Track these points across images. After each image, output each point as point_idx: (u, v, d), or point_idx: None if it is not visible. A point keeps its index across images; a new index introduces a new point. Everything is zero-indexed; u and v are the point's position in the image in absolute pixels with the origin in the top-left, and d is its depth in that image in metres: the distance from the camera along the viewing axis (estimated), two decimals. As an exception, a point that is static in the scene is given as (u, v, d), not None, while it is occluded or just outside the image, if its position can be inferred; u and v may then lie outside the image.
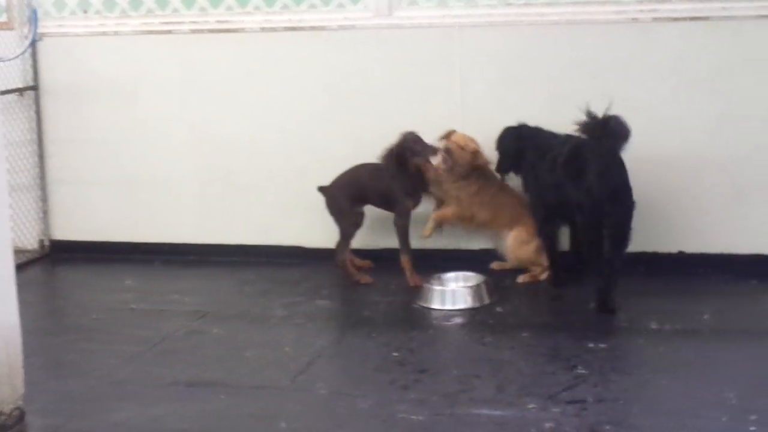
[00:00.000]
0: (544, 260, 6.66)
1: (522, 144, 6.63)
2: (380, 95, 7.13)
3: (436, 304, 6.30)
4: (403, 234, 6.67)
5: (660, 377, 5.12)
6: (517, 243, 6.73)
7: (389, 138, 6.85)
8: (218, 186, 7.33)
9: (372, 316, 6.24)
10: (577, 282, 6.51)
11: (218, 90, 7.38)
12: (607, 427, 4.59)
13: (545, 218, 6.57)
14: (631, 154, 6.65)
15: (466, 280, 6.51)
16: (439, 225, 6.84)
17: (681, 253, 6.77)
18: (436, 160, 6.52)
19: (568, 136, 6.31)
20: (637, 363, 5.33)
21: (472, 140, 6.75)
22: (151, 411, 4.96)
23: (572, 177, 6.11)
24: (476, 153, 6.74)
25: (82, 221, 7.70)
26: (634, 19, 6.70)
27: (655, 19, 6.66)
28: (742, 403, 4.76)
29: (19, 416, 4.79)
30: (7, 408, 4.72)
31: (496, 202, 6.80)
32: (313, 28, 7.21)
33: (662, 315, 5.98)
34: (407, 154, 6.58)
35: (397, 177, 6.62)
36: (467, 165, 6.71)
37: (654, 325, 5.84)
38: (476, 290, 6.35)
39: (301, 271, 7.06)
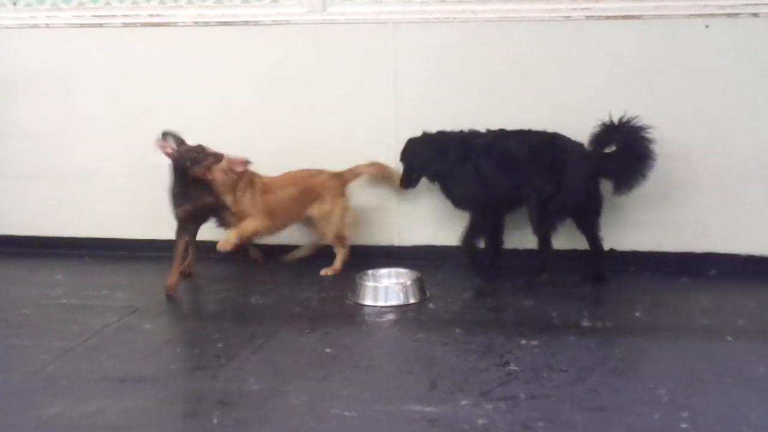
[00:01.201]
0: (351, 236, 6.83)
1: (440, 149, 6.69)
2: (314, 91, 7.11)
3: (368, 301, 6.29)
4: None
5: (592, 374, 5.14)
6: (325, 218, 6.81)
7: (321, 133, 6.86)
8: (148, 180, 7.25)
9: (304, 312, 6.21)
10: (503, 278, 6.57)
11: (150, 84, 7.32)
12: (540, 424, 4.60)
13: (485, 211, 6.70)
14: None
15: (398, 276, 6.51)
16: (241, 240, 6.59)
17: (612, 251, 6.81)
18: (217, 171, 6.41)
19: (489, 131, 6.62)
20: (569, 360, 5.33)
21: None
22: (82, 407, 4.90)
23: (542, 170, 6.43)
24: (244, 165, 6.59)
25: (10, 215, 7.60)
26: (567, 17, 6.73)
27: (588, 17, 6.70)
28: (673, 400, 4.80)
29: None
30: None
31: (280, 195, 6.76)
32: (246, 22, 7.17)
33: (594, 312, 6.02)
34: (186, 164, 6.42)
35: (174, 184, 6.51)
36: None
37: (586, 323, 5.87)
38: (409, 287, 6.34)
39: (232, 268, 7.02)
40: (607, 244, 6.74)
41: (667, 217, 6.78)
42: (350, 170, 6.94)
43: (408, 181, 6.86)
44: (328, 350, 5.58)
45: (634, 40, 6.67)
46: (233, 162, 6.46)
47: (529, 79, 6.81)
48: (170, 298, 6.47)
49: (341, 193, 6.88)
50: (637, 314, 6.01)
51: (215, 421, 4.73)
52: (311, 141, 7.06)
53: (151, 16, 7.29)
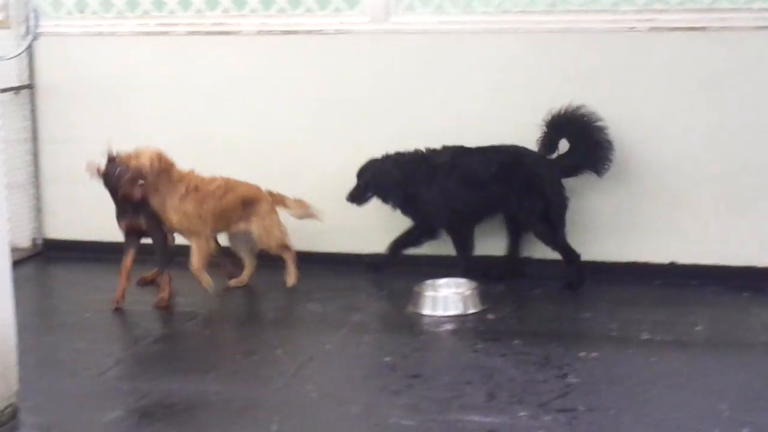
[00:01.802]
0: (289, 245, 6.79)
1: (407, 170, 6.73)
2: (375, 100, 7.12)
3: (427, 310, 6.28)
4: None
5: (651, 388, 5.10)
6: (266, 230, 6.71)
7: (383, 143, 6.87)
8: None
9: (363, 321, 6.23)
10: (569, 291, 6.56)
11: (212, 92, 7.37)
12: (599, 436, 4.60)
13: (461, 224, 6.87)
14: (624, 164, 6.71)
15: (457, 286, 6.49)
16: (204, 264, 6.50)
17: (673, 264, 6.77)
18: (137, 189, 6.28)
19: (445, 148, 6.78)
20: (628, 373, 5.30)
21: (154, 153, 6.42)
22: (139, 410, 4.95)
23: (511, 185, 6.63)
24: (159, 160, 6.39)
25: (75, 220, 7.67)
26: (631, 28, 6.70)
27: (652, 29, 6.66)
28: (734, 415, 4.75)
29: (12, 413, 4.78)
30: (0, 405, 4.71)
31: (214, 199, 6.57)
32: (309, 32, 7.20)
33: (654, 325, 5.98)
34: (111, 184, 6.37)
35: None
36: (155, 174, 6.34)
37: (645, 336, 5.84)
38: (468, 297, 6.34)
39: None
40: (668, 258, 6.70)
41: (730, 231, 6.71)
42: (280, 196, 6.83)
43: (359, 198, 6.84)
44: (386, 359, 5.59)
45: (698, 51, 6.62)
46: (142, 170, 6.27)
47: (591, 91, 6.77)
48: (117, 311, 6.37)
49: (274, 210, 6.78)
50: (698, 328, 5.96)
51: (274, 427, 4.74)
52: (369, 150, 7.04)
53: (214, 24, 7.35)
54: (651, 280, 6.73)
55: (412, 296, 6.38)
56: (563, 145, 6.73)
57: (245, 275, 6.81)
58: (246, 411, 4.95)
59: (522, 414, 4.81)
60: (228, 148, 7.32)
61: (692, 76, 6.65)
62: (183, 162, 7.26)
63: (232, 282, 6.78)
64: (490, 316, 6.21)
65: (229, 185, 6.64)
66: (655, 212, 6.78)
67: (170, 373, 5.47)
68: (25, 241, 7.55)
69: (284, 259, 6.80)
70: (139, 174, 6.24)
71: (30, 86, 7.60)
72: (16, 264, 5.01)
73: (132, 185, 6.26)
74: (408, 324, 6.17)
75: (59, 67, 7.59)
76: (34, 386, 5.10)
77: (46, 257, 7.57)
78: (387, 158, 6.82)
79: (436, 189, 6.73)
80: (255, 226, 6.66)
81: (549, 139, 6.68)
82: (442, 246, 6.99)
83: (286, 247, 6.79)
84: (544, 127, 6.66)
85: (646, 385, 5.13)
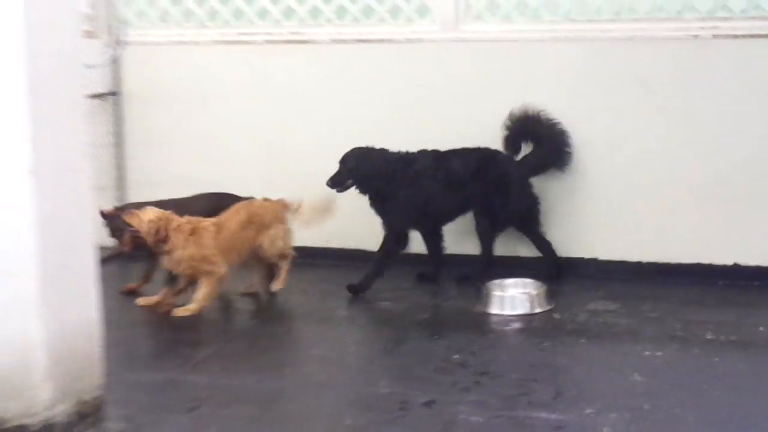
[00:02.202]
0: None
1: (391, 167, 6.66)
2: (445, 106, 7.11)
3: (495, 309, 6.26)
4: None
5: (714, 388, 5.04)
6: (270, 240, 6.55)
7: (452, 145, 6.86)
8: (283, 191, 7.30)
9: (433, 319, 6.23)
10: (627, 289, 6.53)
11: (288, 98, 7.40)
12: (663, 435, 4.55)
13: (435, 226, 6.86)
14: (688, 167, 6.66)
15: (524, 286, 6.45)
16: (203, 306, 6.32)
17: (736, 265, 6.68)
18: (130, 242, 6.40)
19: (424, 152, 6.76)
20: (692, 372, 5.25)
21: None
22: (217, 402, 4.98)
23: (486, 184, 6.71)
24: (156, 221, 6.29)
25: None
26: (695, 36, 6.62)
27: (715, 36, 6.59)
28: (797, 416, 4.69)
29: (98, 405, 4.82)
30: (88, 397, 4.75)
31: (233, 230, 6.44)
32: (381, 40, 7.21)
33: (717, 326, 5.90)
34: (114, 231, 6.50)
35: None
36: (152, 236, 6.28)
37: (709, 336, 5.76)
38: (535, 297, 6.30)
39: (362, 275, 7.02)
40: (731, 259, 6.63)
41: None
42: (295, 205, 6.68)
43: (340, 184, 6.68)
44: (455, 356, 5.57)
45: (761, 59, 6.53)
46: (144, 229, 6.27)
47: (653, 97, 6.72)
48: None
49: (281, 220, 6.64)
50: (761, 329, 5.88)
51: (348, 421, 4.75)
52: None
53: (291, 33, 7.38)
54: (715, 281, 6.65)
55: (480, 296, 6.35)
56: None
57: (283, 273, 6.66)
58: (319, 405, 4.97)
59: (588, 411, 4.76)
60: (302, 152, 7.36)
61: (754, 81, 6.56)
62: (260, 164, 7.33)
63: (275, 286, 6.65)
64: (556, 316, 6.17)
65: (220, 223, 6.40)
66: (719, 214, 6.70)
67: (247, 368, 5.50)
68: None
69: (279, 266, 6.65)
70: (135, 232, 6.27)
71: (116, 93, 7.68)
72: (102, 262, 5.04)
73: (129, 240, 6.39)
74: (476, 323, 6.15)
75: (143, 74, 7.66)
76: (118, 378, 5.14)
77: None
78: (372, 150, 6.73)
79: (416, 191, 6.66)
80: (262, 237, 6.52)
81: (513, 141, 6.82)
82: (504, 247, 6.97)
83: (284, 256, 6.64)
84: (508, 130, 6.79)
85: (709, 385, 5.08)
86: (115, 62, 7.63)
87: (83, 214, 4.75)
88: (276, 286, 6.63)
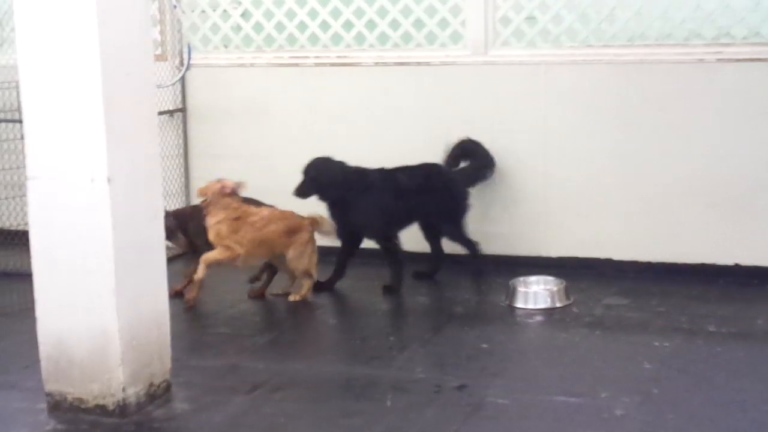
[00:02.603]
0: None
1: (349, 178, 6.57)
2: (476, 123, 7.09)
3: (520, 304, 6.25)
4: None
5: (718, 374, 5.03)
6: (298, 256, 6.40)
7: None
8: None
9: (465, 312, 6.22)
10: (639, 286, 6.49)
11: (337, 115, 7.40)
12: (671, 416, 4.52)
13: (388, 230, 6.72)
14: (694, 178, 6.63)
15: (546, 283, 6.44)
16: (207, 267, 6.26)
17: (737, 265, 6.64)
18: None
19: (376, 169, 6.68)
20: (697, 360, 5.22)
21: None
22: (272, 386, 5.01)
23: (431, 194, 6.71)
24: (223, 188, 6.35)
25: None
26: (701, 60, 6.59)
27: (719, 60, 6.55)
28: (791, 399, 4.67)
29: (167, 387, 4.87)
30: (157, 380, 4.80)
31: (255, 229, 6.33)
32: (419, 63, 7.22)
33: (719, 319, 5.87)
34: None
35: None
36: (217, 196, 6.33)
37: (712, 328, 5.74)
38: (555, 292, 6.29)
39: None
40: (732, 260, 6.59)
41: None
42: (319, 219, 6.53)
43: (304, 193, 6.56)
44: (484, 345, 5.57)
45: (760, 80, 6.48)
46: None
47: (662, 115, 6.69)
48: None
49: (313, 239, 6.49)
50: (759, 322, 5.84)
51: (388, 403, 4.77)
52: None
53: (339, 57, 7.40)
54: (717, 280, 6.61)
55: (507, 291, 6.34)
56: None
57: (304, 289, 6.47)
58: (363, 389, 4.98)
59: (603, 395, 4.76)
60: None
61: (756, 102, 6.52)
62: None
63: (293, 296, 6.47)
64: (575, 310, 6.15)
65: (272, 217, 6.39)
66: (721, 220, 6.66)
67: (298, 356, 5.53)
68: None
69: (302, 282, 6.49)
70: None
71: (183, 110, 7.73)
72: (170, 260, 5.08)
73: (183, 243, 6.56)
74: (503, 316, 6.15)
75: (207, 93, 7.70)
76: (184, 364, 5.18)
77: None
78: (330, 160, 6.62)
79: (372, 202, 6.57)
80: (290, 251, 6.38)
81: (454, 158, 6.91)
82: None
83: (310, 274, 6.48)
84: (452, 149, 6.90)
85: (712, 372, 5.07)
86: (183, 83, 7.69)
87: (154, 217, 4.79)
88: (295, 297, 6.44)
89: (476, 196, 6.98)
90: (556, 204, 6.99)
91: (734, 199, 6.63)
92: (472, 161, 6.98)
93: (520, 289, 6.34)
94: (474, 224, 6.97)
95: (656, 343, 5.49)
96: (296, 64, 7.50)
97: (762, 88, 6.49)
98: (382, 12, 7.28)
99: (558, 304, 6.23)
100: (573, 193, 6.95)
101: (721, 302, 6.24)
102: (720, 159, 6.61)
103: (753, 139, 6.55)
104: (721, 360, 5.25)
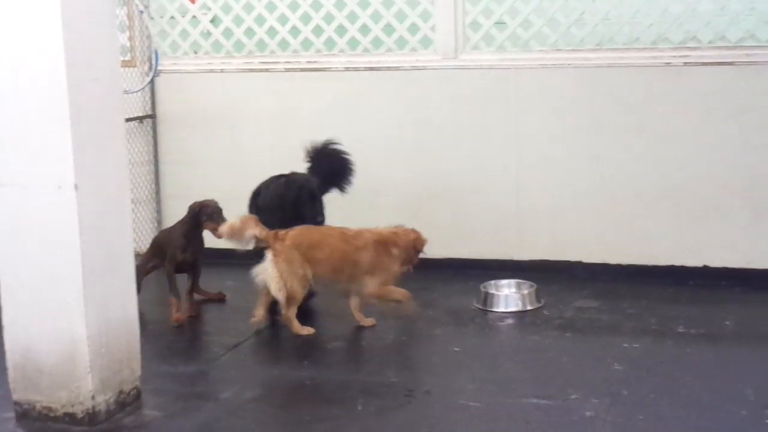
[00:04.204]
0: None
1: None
2: (445, 128, 7.12)
3: (491, 307, 6.26)
4: (168, 277, 6.35)
5: (686, 375, 5.06)
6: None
7: (457, 161, 6.87)
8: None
9: (436, 315, 6.21)
10: (610, 289, 6.52)
11: (307, 120, 7.39)
12: (640, 417, 4.54)
13: None
14: (662, 180, 6.67)
15: (517, 286, 6.46)
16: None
17: (705, 267, 6.68)
18: (222, 228, 6.06)
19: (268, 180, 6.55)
20: (666, 362, 5.25)
21: None
22: (246, 392, 5.00)
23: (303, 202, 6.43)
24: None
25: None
26: (668, 63, 6.63)
27: (686, 64, 6.59)
28: (759, 399, 4.69)
29: (137, 395, 4.84)
30: (127, 387, 4.78)
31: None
32: (389, 68, 7.22)
33: (689, 320, 5.90)
34: (203, 217, 6.33)
35: (183, 231, 6.41)
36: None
37: (681, 329, 5.77)
38: (526, 296, 6.30)
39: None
40: (701, 262, 6.64)
41: (756, 237, 6.61)
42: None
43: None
44: (456, 349, 5.58)
45: (726, 83, 6.53)
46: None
47: (631, 117, 6.73)
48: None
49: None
50: (727, 323, 5.88)
51: (359, 408, 4.76)
52: (442, 167, 7.08)
53: (309, 62, 7.39)
54: (686, 282, 6.65)
55: (478, 294, 6.35)
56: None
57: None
58: (334, 394, 4.98)
59: (573, 397, 4.78)
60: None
61: (721, 103, 6.57)
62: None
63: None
64: (546, 313, 6.17)
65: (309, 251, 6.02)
66: (689, 221, 6.71)
67: (271, 361, 5.52)
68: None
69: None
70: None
71: (152, 116, 7.70)
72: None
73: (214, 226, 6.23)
74: (475, 318, 6.15)
75: (177, 99, 7.68)
76: (154, 371, 5.17)
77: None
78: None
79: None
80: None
81: (314, 166, 6.62)
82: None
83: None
84: (310, 157, 6.63)
85: (681, 373, 5.09)
86: (152, 89, 7.66)
87: (122, 224, 4.76)
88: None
89: (446, 199, 6.99)
90: (526, 207, 7.01)
91: (702, 201, 6.67)
92: (330, 169, 6.68)
93: (492, 292, 6.35)
94: (445, 228, 6.98)
95: (626, 345, 5.51)
96: (266, 70, 7.49)
97: (728, 91, 6.55)
98: (353, 17, 7.28)
99: (529, 307, 6.25)
100: (543, 196, 6.98)
101: (690, 304, 6.27)
102: (688, 161, 6.66)
103: (720, 141, 6.60)
104: (690, 361, 5.28)
